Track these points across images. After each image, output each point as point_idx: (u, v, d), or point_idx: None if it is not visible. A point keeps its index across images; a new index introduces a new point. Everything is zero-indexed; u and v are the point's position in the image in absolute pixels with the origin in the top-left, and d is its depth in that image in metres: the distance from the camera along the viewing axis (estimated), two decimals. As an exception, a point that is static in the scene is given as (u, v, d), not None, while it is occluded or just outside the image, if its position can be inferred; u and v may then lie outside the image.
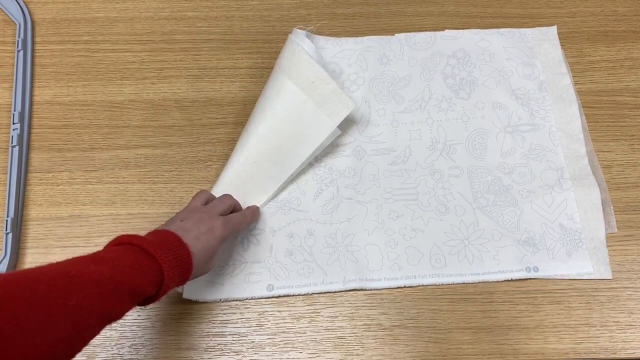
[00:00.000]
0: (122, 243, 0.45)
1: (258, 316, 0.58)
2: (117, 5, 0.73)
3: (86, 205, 0.63)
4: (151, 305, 0.47)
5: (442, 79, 0.69)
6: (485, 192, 0.63)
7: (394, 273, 0.59)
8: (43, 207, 0.63)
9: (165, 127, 0.66)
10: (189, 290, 0.58)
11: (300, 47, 0.61)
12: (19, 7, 0.71)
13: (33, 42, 0.71)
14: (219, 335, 0.57)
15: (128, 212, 0.62)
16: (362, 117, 0.67)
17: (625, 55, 0.71)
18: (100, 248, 0.45)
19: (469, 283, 0.59)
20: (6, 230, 0.59)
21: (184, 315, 0.58)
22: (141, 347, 0.56)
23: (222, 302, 0.58)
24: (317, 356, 0.56)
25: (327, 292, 0.59)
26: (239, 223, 0.55)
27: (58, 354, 0.36)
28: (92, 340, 0.56)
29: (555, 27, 0.72)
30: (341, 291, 0.59)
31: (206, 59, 0.70)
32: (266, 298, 0.58)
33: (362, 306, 0.58)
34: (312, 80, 0.60)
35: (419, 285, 0.59)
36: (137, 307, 0.50)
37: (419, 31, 0.71)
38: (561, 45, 0.71)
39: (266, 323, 0.58)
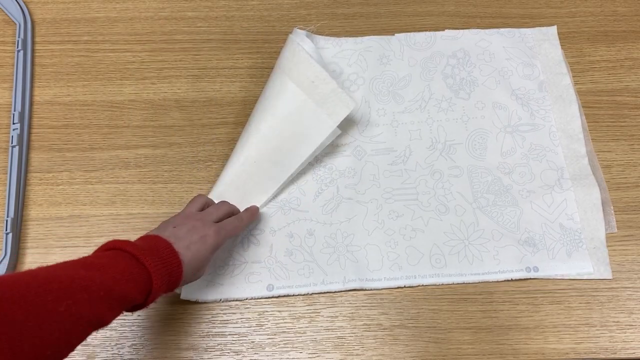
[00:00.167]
0: (113, 248, 0.45)
1: (258, 316, 0.58)
2: (117, 5, 0.73)
3: (86, 205, 0.63)
4: (150, 306, 0.47)
5: (442, 79, 0.69)
6: (485, 192, 0.63)
7: (394, 273, 0.59)
8: (43, 207, 0.63)
9: (165, 127, 0.66)
10: (187, 291, 0.58)
11: (301, 47, 0.61)
12: (19, 7, 0.71)
13: (33, 42, 0.71)
14: (219, 335, 0.57)
15: (128, 212, 0.62)
16: (362, 117, 0.67)
17: (625, 55, 0.71)
18: (102, 244, 0.46)
19: (469, 283, 0.59)
20: (6, 230, 0.59)
21: (184, 315, 0.58)
22: (141, 347, 0.56)
23: (222, 302, 0.58)
24: (317, 356, 0.56)
25: (327, 292, 0.59)
26: (234, 228, 0.55)
27: (45, 359, 0.36)
28: (92, 340, 0.56)
29: (555, 27, 0.72)
30: (341, 291, 0.59)
31: (206, 59, 0.70)
32: (266, 298, 0.58)
33: (362, 306, 0.58)
34: (312, 79, 0.60)
35: (419, 285, 0.59)
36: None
37: (419, 31, 0.71)
38: (561, 45, 0.71)
39: (266, 323, 0.58)
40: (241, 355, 0.56)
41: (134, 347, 0.56)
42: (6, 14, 0.72)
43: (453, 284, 0.59)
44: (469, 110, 0.67)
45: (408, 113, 0.67)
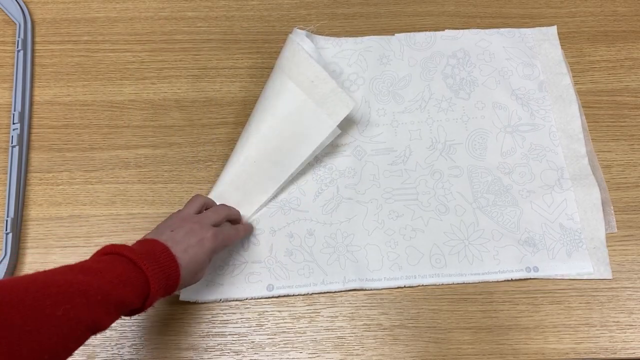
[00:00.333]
0: (111, 253, 0.45)
1: (258, 316, 0.58)
2: (117, 5, 0.73)
3: (86, 205, 0.63)
4: (148, 310, 0.47)
5: (442, 79, 0.69)
6: (485, 192, 0.63)
7: (394, 273, 0.59)
8: (43, 207, 0.63)
9: (165, 127, 0.66)
10: (187, 292, 0.58)
11: (300, 47, 0.61)
12: (19, 7, 0.71)
13: (33, 42, 0.71)
14: (219, 335, 0.57)
15: (128, 212, 0.62)
16: (362, 117, 0.67)
17: (625, 55, 0.71)
18: (100, 248, 0.45)
19: (469, 283, 0.59)
20: (6, 230, 0.59)
21: (184, 316, 0.58)
22: (141, 347, 0.56)
23: (222, 302, 0.58)
24: (317, 356, 0.56)
25: (327, 292, 0.59)
26: (230, 237, 0.55)
27: None
28: (92, 341, 0.56)
29: (555, 27, 0.72)
30: (341, 291, 0.59)
31: (206, 59, 0.70)
32: (266, 298, 0.58)
33: (362, 306, 0.58)
34: (311, 79, 0.60)
35: (419, 285, 0.59)
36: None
37: (419, 31, 0.71)
38: (561, 45, 0.71)
39: (266, 323, 0.58)
40: (241, 355, 0.56)
41: (134, 347, 0.56)
42: (6, 14, 0.72)
43: (453, 284, 0.59)
44: (469, 110, 0.67)
45: (408, 113, 0.67)
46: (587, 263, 0.59)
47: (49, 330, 0.36)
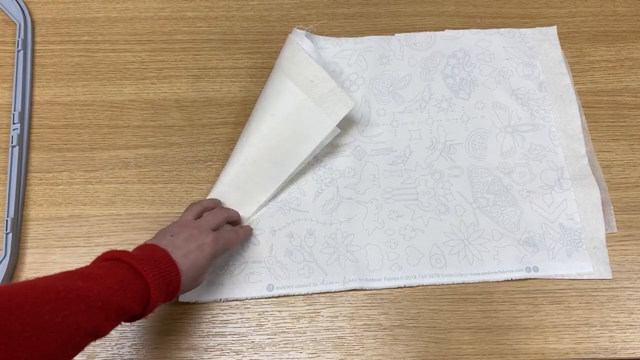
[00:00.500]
0: (111, 259, 0.44)
1: (258, 316, 0.58)
2: (117, 5, 0.73)
3: (86, 205, 0.63)
4: (148, 316, 0.46)
5: (442, 79, 0.69)
6: (485, 192, 0.63)
7: (394, 273, 0.59)
8: (43, 207, 0.63)
9: (165, 127, 0.66)
10: (186, 293, 0.58)
11: (300, 47, 0.61)
12: (19, 7, 0.71)
13: (33, 42, 0.71)
14: (219, 335, 0.57)
15: (128, 212, 0.62)
16: (362, 117, 0.67)
17: (625, 55, 0.71)
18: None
19: (469, 283, 0.59)
20: (6, 230, 0.59)
21: (184, 316, 0.58)
22: (141, 347, 0.56)
23: (222, 302, 0.58)
24: (317, 356, 0.56)
25: (327, 292, 0.59)
26: (230, 241, 0.55)
27: None
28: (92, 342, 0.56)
29: (555, 27, 0.72)
30: (341, 291, 0.59)
31: (206, 59, 0.70)
32: (266, 298, 0.58)
33: (362, 306, 0.58)
34: (311, 79, 0.60)
35: (419, 285, 0.59)
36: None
37: (419, 31, 0.71)
38: (561, 45, 0.71)
39: (266, 323, 0.58)
40: (241, 355, 0.56)
41: (134, 347, 0.56)
42: (6, 14, 0.72)
43: (453, 284, 0.59)
44: (469, 110, 0.67)
45: (408, 113, 0.67)
46: (587, 263, 0.59)
47: (48, 336, 0.36)
